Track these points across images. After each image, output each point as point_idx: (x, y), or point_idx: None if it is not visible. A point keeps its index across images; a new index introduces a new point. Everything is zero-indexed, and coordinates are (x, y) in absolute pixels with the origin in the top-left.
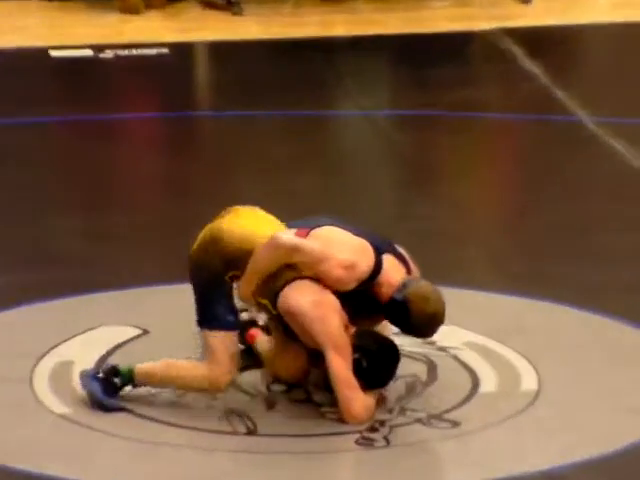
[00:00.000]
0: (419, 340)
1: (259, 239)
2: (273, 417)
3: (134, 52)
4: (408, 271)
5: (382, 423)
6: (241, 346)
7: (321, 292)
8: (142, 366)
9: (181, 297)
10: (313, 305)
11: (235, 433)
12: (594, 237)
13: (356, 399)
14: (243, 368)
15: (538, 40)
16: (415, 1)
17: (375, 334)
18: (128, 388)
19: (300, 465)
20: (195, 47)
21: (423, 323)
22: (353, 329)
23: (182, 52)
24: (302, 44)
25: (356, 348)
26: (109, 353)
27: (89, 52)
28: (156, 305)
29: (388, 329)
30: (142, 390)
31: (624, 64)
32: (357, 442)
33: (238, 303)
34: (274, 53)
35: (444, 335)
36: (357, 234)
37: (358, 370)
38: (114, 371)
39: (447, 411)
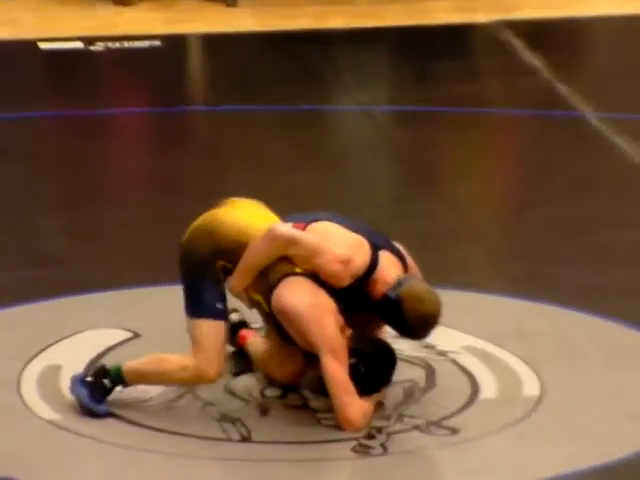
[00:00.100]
0: (417, 344)
1: (255, 232)
2: (268, 423)
3: (126, 45)
4: (405, 269)
5: (379, 430)
6: (232, 348)
7: (316, 293)
8: (130, 363)
9: (173, 299)
10: (308, 306)
11: (228, 440)
12: (595, 236)
13: (353, 404)
14: (236, 373)
15: (540, 33)
16: None
17: (371, 337)
18: (119, 389)
19: (295, 474)
20: (188, 39)
21: (416, 323)
22: (349, 331)
23: (175, 45)
24: (298, 37)
25: (353, 352)
26: (99, 356)
27: (79, 45)
28: (147, 307)
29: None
30: (133, 395)
31: (628, 58)
32: (354, 450)
33: (229, 302)
34: (269, 46)
35: (442, 339)
36: (354, 230)
37: (356, 376)
38: (103, 372)
39: (446, 418)
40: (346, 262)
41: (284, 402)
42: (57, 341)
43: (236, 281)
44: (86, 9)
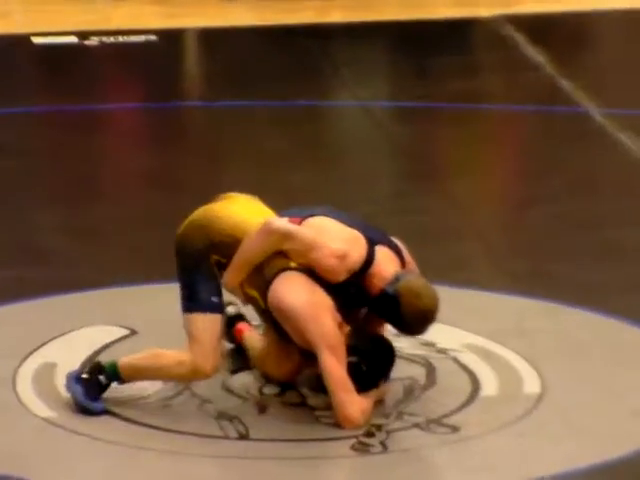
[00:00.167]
0: (417, 342)
1: (250, 227)
2: (265, 421)
3: (120, 39)
4: (403, 264)
5: (379, 428)
6: (230, 345)
7: (313, 289)
8: (126, 359)
9: (170, 296)
10: (306, 304)
11: (226, 438)
12: (597, 233)
13: (352, 402)
14: (234, 370)
15: (542, 27)
16: None
17: (370, 333)
18: (114, 385)
19: (294, 471)
20: (185, 34)
21: (413, 319)
22: (347, 328)
23: (171, 39)
24: (297, 31)
25: (351, 349)
26: (96, 354)
27: (73, 39)
28: (144, 304)
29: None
30: (129, 392)
31: (632, 52)
32: (353, 447)
33: (224, 296)
34: (267, 40)
35: (443, 336)
36: (350, 224)
37: (356, 373)
38: (98, 368)
39: (446, 415)
40: (342, 257)
41: (282, 400)
42: (53, 338)
43: (231, 276)
44: (80, 3)
